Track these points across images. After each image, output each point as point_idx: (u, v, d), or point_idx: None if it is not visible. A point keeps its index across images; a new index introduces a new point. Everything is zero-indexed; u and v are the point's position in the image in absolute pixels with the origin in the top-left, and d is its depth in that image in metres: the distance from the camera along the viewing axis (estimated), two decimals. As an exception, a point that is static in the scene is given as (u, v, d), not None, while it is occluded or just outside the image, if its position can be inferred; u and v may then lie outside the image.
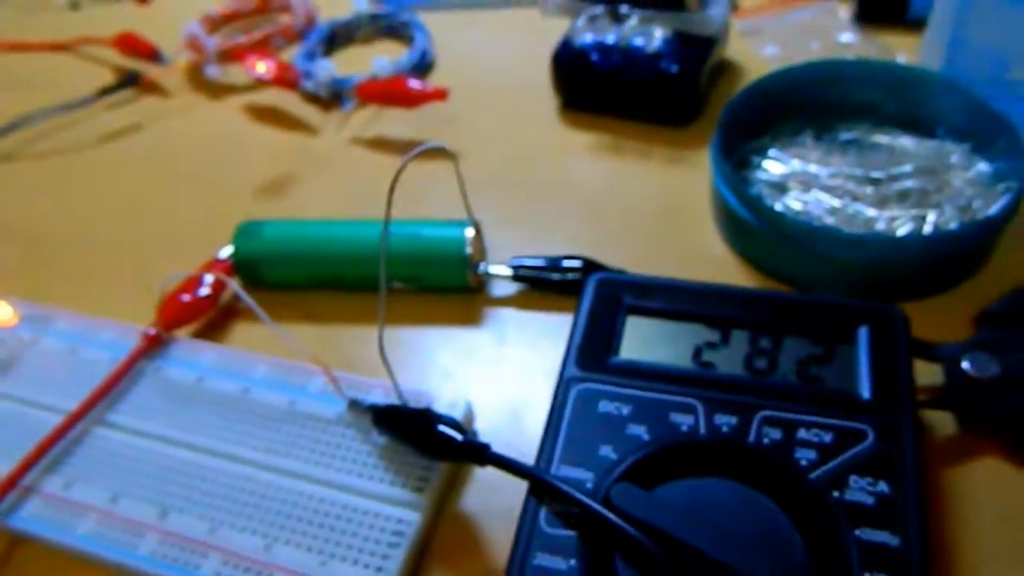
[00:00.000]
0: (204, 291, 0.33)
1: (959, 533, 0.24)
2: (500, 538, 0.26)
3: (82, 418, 0.29)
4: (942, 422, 0.27)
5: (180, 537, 0.25)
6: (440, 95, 0.40)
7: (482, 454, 0.24)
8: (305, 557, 0.24)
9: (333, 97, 0.45)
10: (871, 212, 0.32)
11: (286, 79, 0.44)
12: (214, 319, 0.34)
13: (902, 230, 0.31)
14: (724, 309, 0.27)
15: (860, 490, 0.22)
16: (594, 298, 0.28)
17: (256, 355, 0.30)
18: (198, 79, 0.49)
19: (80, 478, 0.27)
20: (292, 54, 0.49)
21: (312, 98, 0.46)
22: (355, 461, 0.27)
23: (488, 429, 0.29)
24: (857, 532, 0.21)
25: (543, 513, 0.23)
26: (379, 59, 0.45)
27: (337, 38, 0.50)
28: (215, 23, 0.51)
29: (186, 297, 0.32)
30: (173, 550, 0.25)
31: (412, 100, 0.41)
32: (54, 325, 0.33)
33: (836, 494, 0.22)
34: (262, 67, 0.43)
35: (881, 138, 0.36)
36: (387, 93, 0.42)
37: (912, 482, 0.22)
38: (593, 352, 0.26)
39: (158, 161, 0.44)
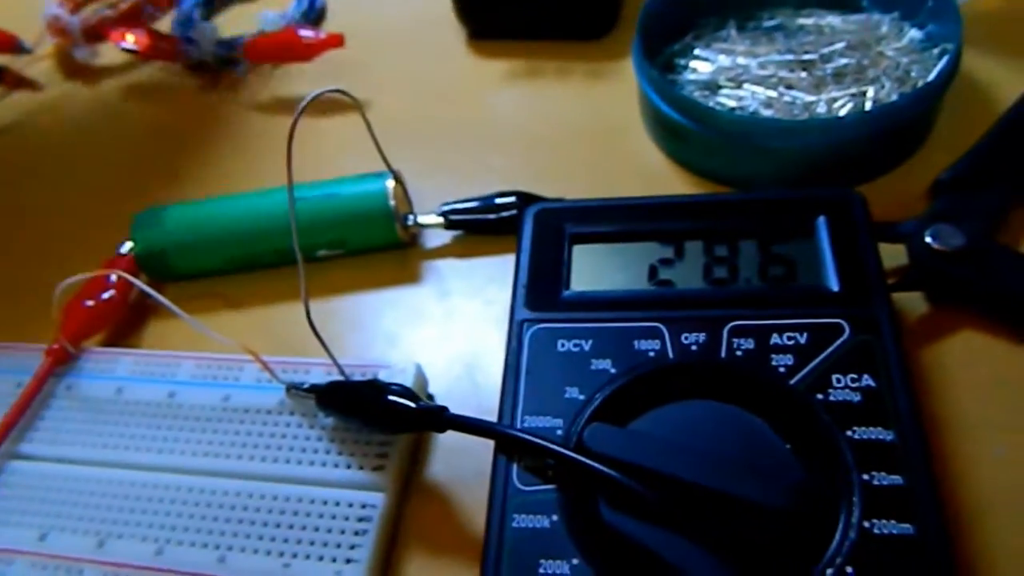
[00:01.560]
0: (108, 293, 0.29)
1: (945, 411, 0.23)
2: (475, 503, 0.24)
3: (-7, 454, 0.26)
4: (910, 304, 0.26)
5: (124, 565, 0.23)
6: (336, 41, 0.37)
7: (440, 419, 0.22)
8: (265, 563, 0.22)
9: (221, 62, 0.41)
10: (809, 97, 0.30)
11: (163, 49, 0.40)
12: (124, 322, 0.31)
13: (843, 111, 0.30)
14: (673, 222, 0.26)
15: (844, 388, 0.21)
16: (534, 232, 0.26)
17: (178, 354, 0.28)
18: (69, 65, 0.44)
19: (0, 521, 0.24)
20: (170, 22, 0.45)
21: (199, 66, 0.42)
22: (304, 450, 0.24)
23: (443, 390, 0.27)
24: (848, 432, 0.20)
25: (515, 471, 0.21)
26: (265, 12, 0.41)
27: (215, -1, 0.46)
28: (77, 2, 0.46)
29: (89, 303, 0.29)
30: (118, 581, 0.23)
31: (306, 52, 0.38)
32: (-56, 358, 0.29)
33: (820, 396, 0.21)
34: (131, 38, 0.39)
35: (806, 20, 0.34)
36: (278, 48, 0.38)
37: (897, 371, 0.21)
38: (542, 289, 0.24)
39: (39, 160, 0.40)
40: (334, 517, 0.23)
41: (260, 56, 0.39)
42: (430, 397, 0.26)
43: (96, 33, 0.43)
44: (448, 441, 0.25)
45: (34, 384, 0.27)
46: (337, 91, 0.23)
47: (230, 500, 0.24)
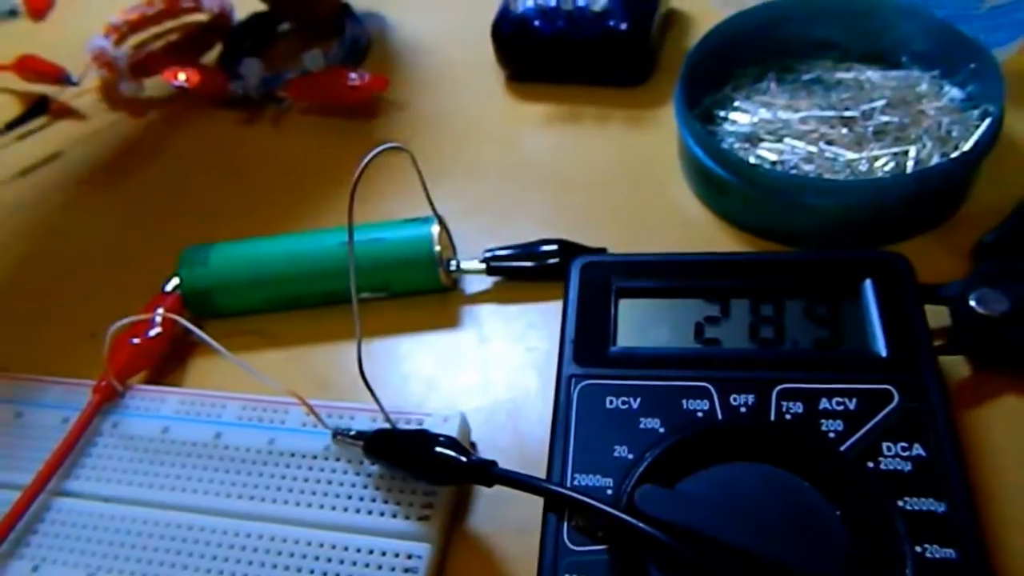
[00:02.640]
0: (155, 331, 0.30)
1: (990, 478, 0.23)
2: (519, 554, 0.24)
3: (41, 490, 0.26)
4: (954, 366, 0.26)
5: (170, 609, 0.23)
6: (380, 84, 0.38)
7: (488, 474, 0.22)
8: (312, 611, 0.22)
9: (265, 98, 0.42)
10: (851, 155, 0.31)
11: (211, 84, 0.40)
12: (169, 360, 0.31)
13: (885, 169, 0.30)
14: (718, 279, 0.26)
15: (895, 457, 0.21)
16: (581, 285, 0.26)
17: (223, 394, 0.28)
18: (114, 96, 0.45)
19: (48, 558, 0.25)
20: (213, 57, 0.46)
21: (243, 102, 0.42)
22: (350, 496, 0.25)
23: (485, 438, 0.27)
24: (899, 503, 0.20)
25: (566, 529, 0.21)
26: (310, 52, 0.41)
27: (260, 34, 0.47)
28: (122, 33, 0.47)
29: (135, 340, 0.29)
30: (164, 625, 0.23)
31: (350, 94, 0.38)
32: (-8, 390, 0.30)
33: (870, 464, 0.21)
34: (183, 76, 0.40)
35: (845, 74, 0.35)
36: (323, 88, 0.39)
37: (947, 440, 0.21)
38: (590, 344, 0.25)
39: (83, 192, 0.40)
40: (380, 567, 0.23)
41: (304, 95, 0.40)
42: (473, 445, 0.27)
43: (143, 68, 0.43)
44: (492, 490, 0.25)
45: (82, 421, 0.27)
46: (398, 148, 0.24)
47: (276, 546, 0.24)
